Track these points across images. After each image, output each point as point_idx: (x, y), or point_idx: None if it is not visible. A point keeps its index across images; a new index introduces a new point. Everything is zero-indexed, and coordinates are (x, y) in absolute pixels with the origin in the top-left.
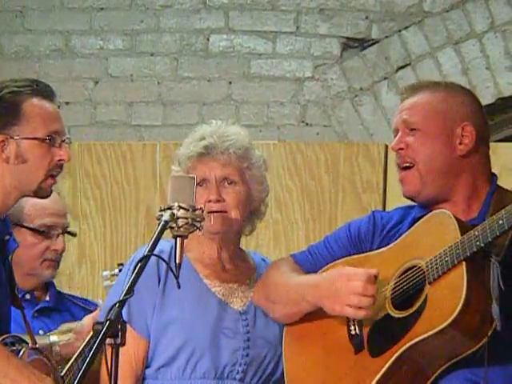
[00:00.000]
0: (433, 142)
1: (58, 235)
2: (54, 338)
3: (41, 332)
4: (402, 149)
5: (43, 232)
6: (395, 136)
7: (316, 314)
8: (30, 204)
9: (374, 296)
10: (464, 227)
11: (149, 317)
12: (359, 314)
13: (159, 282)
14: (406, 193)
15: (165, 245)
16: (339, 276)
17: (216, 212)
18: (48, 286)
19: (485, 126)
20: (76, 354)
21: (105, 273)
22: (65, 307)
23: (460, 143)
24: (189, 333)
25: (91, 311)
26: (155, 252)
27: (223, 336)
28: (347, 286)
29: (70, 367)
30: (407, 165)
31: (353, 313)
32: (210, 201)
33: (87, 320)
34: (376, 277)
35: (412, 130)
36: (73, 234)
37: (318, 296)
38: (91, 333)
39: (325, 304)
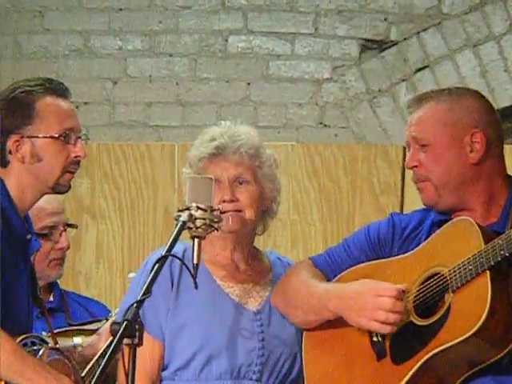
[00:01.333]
0: (444, 156)
1: (60, 233)
2: (77, 339)
3: (43, 333)
4: (415, 166)
5: (46, 234)
6: (408, 150)
7: (337, 320)
8: None
9: (401, 313)
10: (487, 235)
11: (163, 320)
12: (385, 328)
13: (172, 285)
14: (423, 201)
15: (177, 247)
16: (368, 290)
17: (231, 212)
18: (52, 286)
19: (495, 127)
20: (97, 356)
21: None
22: (68, 307)
23: (471, 151)
24: (204, 336)
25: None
26: None
27: (238, 337)
28: (376, 301)
29: (90, 368)
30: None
31: (378, 327)
32: (224, 201)
33: (111, 322)
34: (404, 292)
35: (422, 146)
36: (74, 226)
37: (342, 307)
38: None
39: (349, 316)
